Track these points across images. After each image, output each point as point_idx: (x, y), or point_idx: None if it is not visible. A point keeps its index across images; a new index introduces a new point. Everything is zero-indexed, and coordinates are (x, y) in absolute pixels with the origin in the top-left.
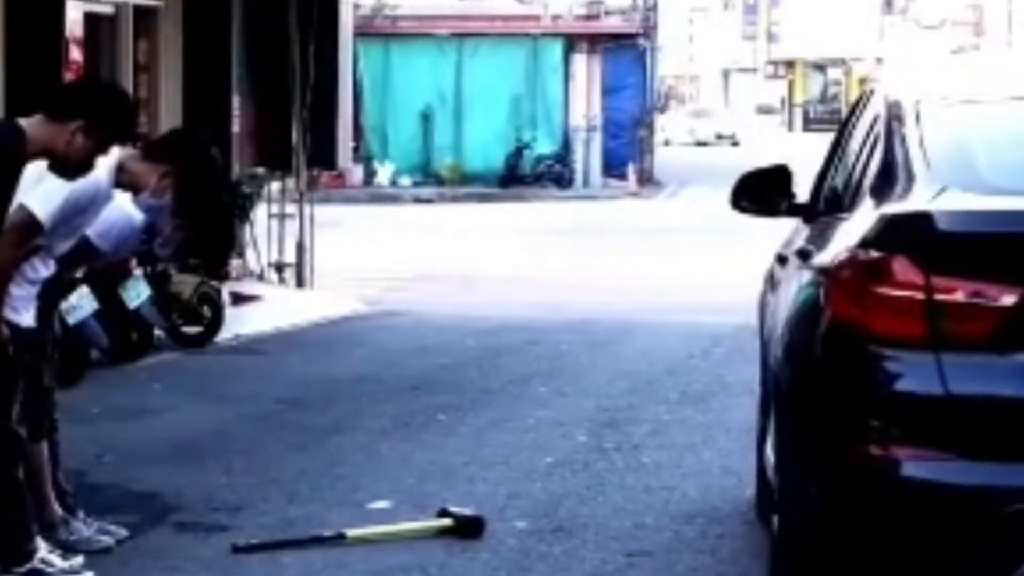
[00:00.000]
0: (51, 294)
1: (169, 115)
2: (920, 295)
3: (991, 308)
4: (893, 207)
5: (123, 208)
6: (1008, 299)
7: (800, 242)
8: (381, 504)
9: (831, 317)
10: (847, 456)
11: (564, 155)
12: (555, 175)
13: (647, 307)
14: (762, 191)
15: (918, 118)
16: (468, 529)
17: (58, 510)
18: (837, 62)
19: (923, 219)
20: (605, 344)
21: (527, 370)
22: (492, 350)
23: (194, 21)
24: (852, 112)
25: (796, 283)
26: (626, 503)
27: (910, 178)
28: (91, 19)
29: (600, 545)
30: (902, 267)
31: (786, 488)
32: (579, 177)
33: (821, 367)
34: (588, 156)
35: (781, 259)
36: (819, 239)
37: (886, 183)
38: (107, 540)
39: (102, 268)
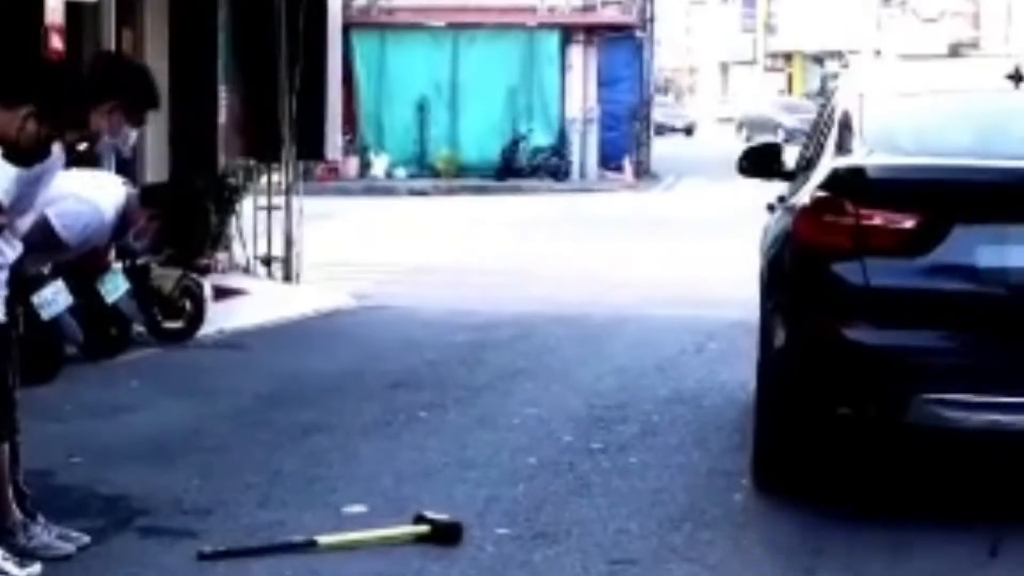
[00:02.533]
0: (14, 287)
1: None
2: (851, 220)
3: (896, 229)
4: (838, 163)
5: (91, 201)
6: (908, 223)
7: (784, 193)
8: (357, 508)
9: (797, 237)
10: (805, 326)
11: (560, 147)
12: (551, 167)
13: (640, 301)
14: (760, 160)
15: (861, 106)
16: (445, 535)
17: (17, 514)
18: (835, 55)
19: (856, 171)
20: (596, 339)
21: (514, 366)
22: (480, 345)
23: (179, 9)
24: (824, 103)
25: (776, 217)
26: (611, 507)
27: (851, 145)
28: (72, 7)
29: (582, 552)
30: (841, 202)
31: (766, 350)
32: (575, 169)
33: (790, 269)
34: (584, 148)
35: (771, 207)
36: (793, 188)
37: (838, 149)
38: (67, 547)
39: (77, 261)
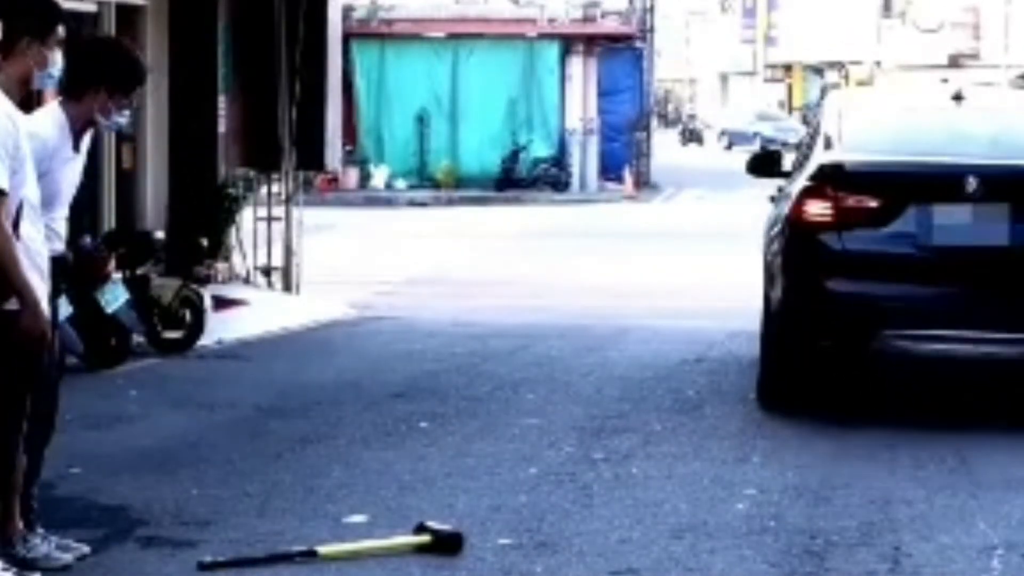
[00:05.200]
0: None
1: (155, 115)
2: (832, 202)
3: (864, 208)
4: (823, 159)
5: (25, 130)
6: (873, 203)
7: (783, 185)
8: (357, 518)
9: (792, 214)
10: (797, 280)
11: (560, 158)
12: (551, 178)
13: (641, 312)
14: (765, 163)
15: (840, 119)
16: (446, 545)
17: (19, 524)
18: (835, 65)
19: (836, 165)
20: (597, 350)
21: (515, 377)
22: (480, 356)
23: (179, 19)
24: (815, 115)
25: (776, 204)
26: (613, 517)
27: (832, 146)
28: (73, 18)
29: (584, 562)
30: (825, 189)
31: (768, 301)
32: (575, 180)
33: (787, 239)
34: (584, 159)
35: (772, 198)
36: (790, 181)
37: (822, 150)
38: (66, 557)
39: (84, 265)
